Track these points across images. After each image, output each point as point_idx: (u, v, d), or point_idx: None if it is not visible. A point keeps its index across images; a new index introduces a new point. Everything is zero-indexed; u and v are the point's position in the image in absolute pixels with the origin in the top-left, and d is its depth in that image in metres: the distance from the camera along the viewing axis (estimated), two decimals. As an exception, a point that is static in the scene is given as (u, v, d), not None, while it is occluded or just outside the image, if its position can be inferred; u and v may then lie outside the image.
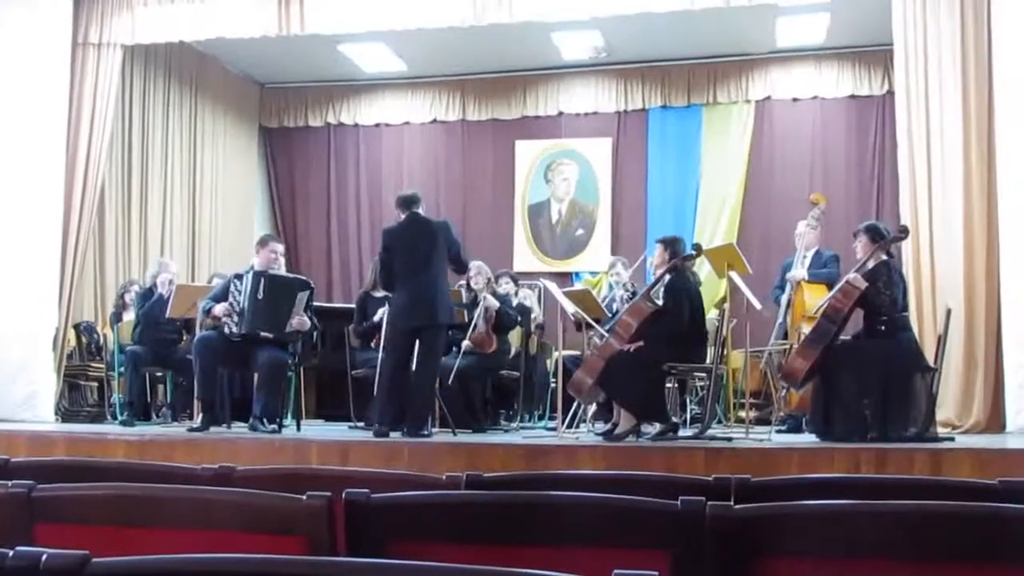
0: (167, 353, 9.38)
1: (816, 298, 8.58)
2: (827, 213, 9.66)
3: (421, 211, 8.18)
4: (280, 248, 8.74)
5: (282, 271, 8.81)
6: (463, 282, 9.45)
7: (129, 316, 9.98)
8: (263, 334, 8.22)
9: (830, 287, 8.70)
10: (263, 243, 8.73)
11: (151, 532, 2.48)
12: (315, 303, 8.93)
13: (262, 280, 8.28)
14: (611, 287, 10.03)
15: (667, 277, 7.73)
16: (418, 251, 7.97)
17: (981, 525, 2.22)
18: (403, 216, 8.19)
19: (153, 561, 1.82)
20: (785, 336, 8.92)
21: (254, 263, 8.55)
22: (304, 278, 8.88)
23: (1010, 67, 8.50)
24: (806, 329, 8.13)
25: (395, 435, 7.65)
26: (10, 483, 2.60)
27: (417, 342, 7.97)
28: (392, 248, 8.11)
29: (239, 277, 8.42)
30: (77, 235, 10.20)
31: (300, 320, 8.41)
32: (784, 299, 8.97)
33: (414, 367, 7.96)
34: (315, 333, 9.18)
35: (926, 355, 7.58)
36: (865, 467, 6.26)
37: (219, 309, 8.29)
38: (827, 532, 2.28)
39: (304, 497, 2.37)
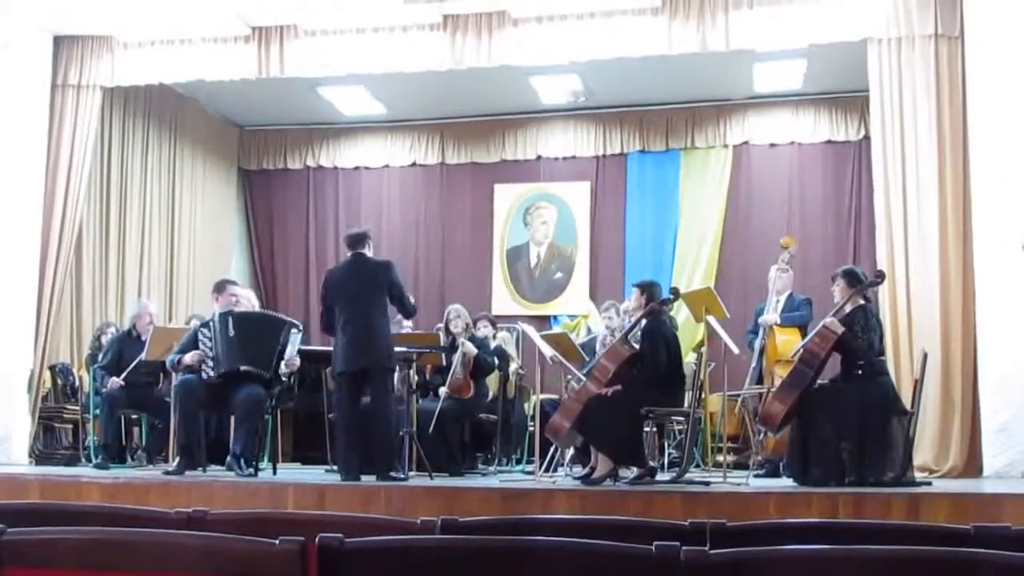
0: (143, 395, 9.28)
1: (789, 342, 8.59)
2: (804, 257, 9.71)
3: (367, 251, 8.08)
4: (239, 291, 8.65)
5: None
6: (441, 325, 9.44)
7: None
8: (244, 368, 8.13)
9: (802, 331, 8.73)
10: (220, 288, 8.66)
11: (121, 577, 2.45)
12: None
13: (230, 319, 8.22)
14: (589, 330, 10.04)
15: (644, 321, 7.76)
16: (357, 294, 7.87)
17: (954, 570, 2.22)
18: (349, 255, 8.15)
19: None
20: (759, 380, 8.92)
21: (215, 309, 8.49)
22: (294, 321, 8.72)
23: (984, 112, 8.61)
24: (780, 373, 8.14)
25: (369, 478, 7.60)
26: (-20, 527, 2.57)
27: (367, 386, 7.88)
28: (331, 290, 8.04)
29: (206, 325, 8.33)
30: (54, 276, 10.17)
31: (292, 361, 8.37)
32: (757, 344, 8.98)
33: (369, 410, 7.86)
34: (292, 375, 9.09)
35: (903, 399, 7.59)
36: (843, 511, 6.25)
37: (189, 358, 8.19)
38: (801, 577, 2.27)
39: (277, 542, 2.35)
